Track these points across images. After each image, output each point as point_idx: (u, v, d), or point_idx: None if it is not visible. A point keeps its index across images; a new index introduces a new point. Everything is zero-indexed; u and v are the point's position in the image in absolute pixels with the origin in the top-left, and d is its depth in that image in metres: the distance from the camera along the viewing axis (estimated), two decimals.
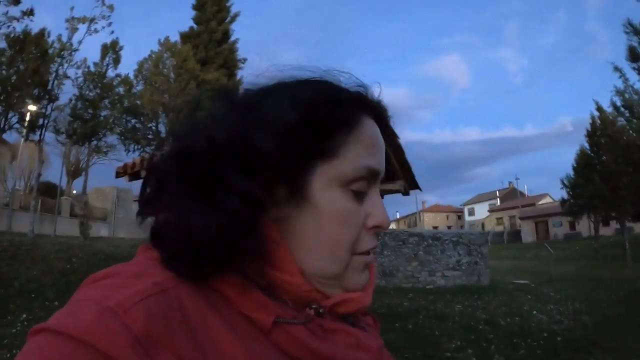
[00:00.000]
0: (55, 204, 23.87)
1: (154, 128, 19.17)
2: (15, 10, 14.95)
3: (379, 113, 0.60)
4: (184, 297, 0.45)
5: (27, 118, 16.79)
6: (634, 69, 13.29)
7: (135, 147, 19.79)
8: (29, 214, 18.92)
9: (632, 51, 13.28)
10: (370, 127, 0.57)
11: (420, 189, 7.77)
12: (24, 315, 7.73)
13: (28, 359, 0.41)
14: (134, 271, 0.47)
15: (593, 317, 8.34)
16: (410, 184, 7.47)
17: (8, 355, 5.79)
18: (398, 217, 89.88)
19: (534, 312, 8.60)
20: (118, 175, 7.67)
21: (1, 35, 15.09)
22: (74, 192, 34.67)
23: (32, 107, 17.03)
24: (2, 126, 15.98)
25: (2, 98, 15.50)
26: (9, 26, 15.07)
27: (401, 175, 7.09)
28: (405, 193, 7.63)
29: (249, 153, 0.49)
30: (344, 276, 0.53)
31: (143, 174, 6.59)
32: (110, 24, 17.55)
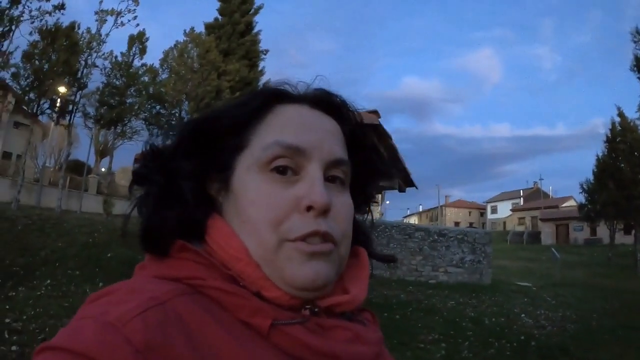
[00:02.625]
0: (82, 182, 24.73)
1: (177, 114, 19.81)
2: (47, 5, 15.83)
3: (308, 99, 0.62)
4: (181, 308, 0.47)
5: (58, 104, 17.59)
6: (639, 78, 12.94)
7: (159, 131, 20.41)
8: (57, 190, 20.07)
9: (638, 60, 12.92)
10: (288, 112, 0.60)
11: (416, 187, 8.10)
12: (48, 281, 8.38)
13: None
14: (131, 288, 0.50)
15: (577, 326, 8.42)
16: (406, 182, 7.81)
17: (32, 312, 6.39)
18: (421, 210, 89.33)
19: (522, 315, 8.73)
20: (136, 162, 8.14)
21: (34, 28, 15.94)
22: (102, 170, 35.64)
23: (62, 89, 17.85)
24: (35, 111, 16.81)
25: (35, 85, 16.35)
26: (41, 20, 15.90)
27: (395, 173, 7.47)
28: (401, 190, 7.99)
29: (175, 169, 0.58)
30: (279, 265, 0.53)
31: None
32: (135, 17, 18.29)
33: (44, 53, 16.32)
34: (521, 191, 68.88)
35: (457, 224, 70.82)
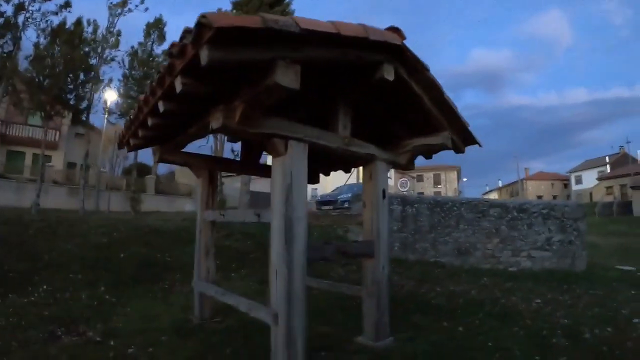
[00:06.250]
0: (108, 183, 24.32)
1: None
2: (51, 5, 15.47)
3: None
4: None
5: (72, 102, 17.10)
6: None
7: None
8: (115, 193, 21.04)
9: None
10: None
11: (479, 144, 5.53)
12: (44, 287, 7.42)
13: None
14: None
15: None
16: (463, 137, 5.34)
17: (2, 323, 5.39)
18: (500, 185, 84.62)
19: (635, 320, 5.82)
20: (120, 147, 6.63)
21: (40, 30, 15.64)
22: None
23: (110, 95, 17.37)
24: (50, 114, 16.15)
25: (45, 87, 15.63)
26: (47, 21, 15.68)
27: (445, 124, 5.05)
28: (458, 149, 5.48)
29: None
30: None
31: (132, 141, 5.40)
32: (142, 1, 18.05)
33: (48, 52, 15.51)
34: (607, 158, 62.08)
35: (539, 197, 65.95)
